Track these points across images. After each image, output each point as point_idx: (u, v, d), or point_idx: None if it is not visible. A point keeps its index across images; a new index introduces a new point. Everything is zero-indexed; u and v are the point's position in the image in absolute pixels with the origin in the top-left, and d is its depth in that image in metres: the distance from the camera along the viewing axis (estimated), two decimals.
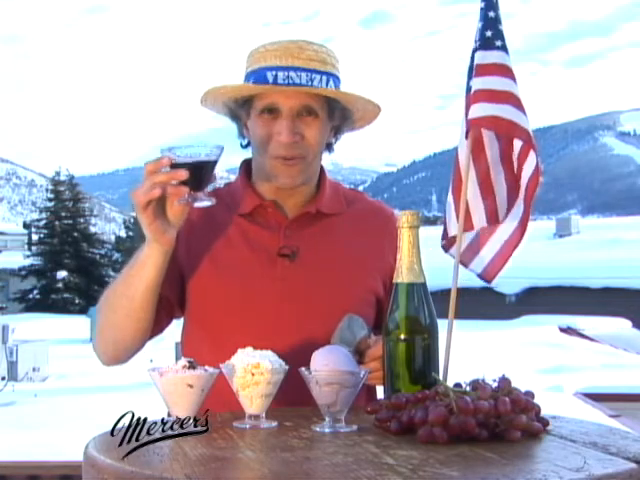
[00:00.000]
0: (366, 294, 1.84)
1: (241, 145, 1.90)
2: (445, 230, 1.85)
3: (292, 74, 1.72)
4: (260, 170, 1.85)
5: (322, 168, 1.90)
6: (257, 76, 1.75)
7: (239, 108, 1.81)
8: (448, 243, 1.85)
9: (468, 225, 1.84)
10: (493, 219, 1.84)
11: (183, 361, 1.44)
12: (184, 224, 1.72)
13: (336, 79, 1.79)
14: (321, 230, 1.85)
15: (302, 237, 1.82)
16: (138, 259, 1.67)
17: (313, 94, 1.74)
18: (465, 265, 1.84)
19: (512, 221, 1.84)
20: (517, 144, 1.81)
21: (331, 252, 1.83)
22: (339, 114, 1.82)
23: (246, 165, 1.93)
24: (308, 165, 1.80)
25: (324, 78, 1.75)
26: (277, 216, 1.84)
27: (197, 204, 1.58)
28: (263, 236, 1.82)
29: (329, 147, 1.89)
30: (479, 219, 1.85)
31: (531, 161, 1.79)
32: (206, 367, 1.44)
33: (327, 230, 1.86)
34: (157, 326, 1.80)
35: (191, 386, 1.41)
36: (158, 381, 1.43)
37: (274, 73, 1.73)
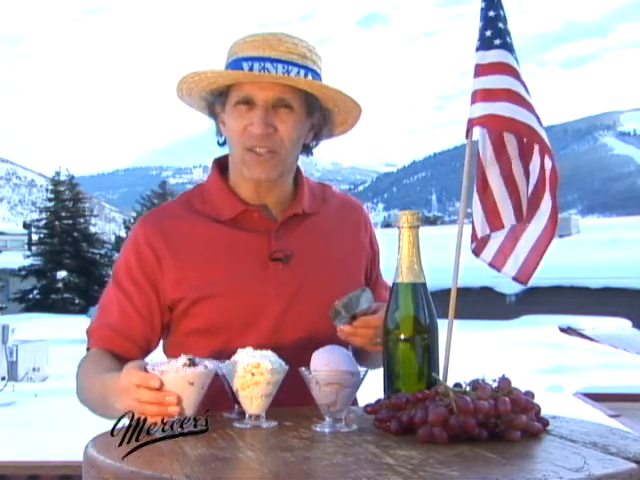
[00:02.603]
0: (353, 287, 1.85)
1: (218, 143, 1.87)
2: (474, 233, 1.81)
3: (268, 65, 1.70)
4: (236, 166, 1.81)
5: (298, 168, 1.88)
6: (234, 67, 1.74)
7: (215, 100, 1.78)
8: (478, 247, 1.82)
9: (498, 223, 1.81)
10: (520, 216, 1.81)
11: (183, 359, 1.43)
12: (165, 251, 1.75)
13: (315, 74, 1.75)
14: (307, 230, 1.84)
15: (292, 239, 1.80)
16: (112, 403, 1.51)
17: (289, 87, 1.71)
18: (498, 269, 1.81)
19: (540, 219, 1.81)
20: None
21: (320, 251, 1.83)
22: (319, 115, 1.79)
23: (218, 164, 1.88)
24: (281, 161, 1.76)
25: (302, 71, 1.72)
26: (264, 220, 1.80)
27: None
28: (251, 241, 1.78)
29: (307, 150, 1.86)
30: (508, 217, 1.81)
31: (547, 159, 1.78)
32: (205, 363, 1.44)
33: (312, 230, 1.85)
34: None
35: (192, 384, 1.41)
36: (160, 379, 1.42)
37: (250, 64, 1.71)
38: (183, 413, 1.41)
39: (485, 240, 1.82)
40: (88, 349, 1.80)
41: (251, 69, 1.70)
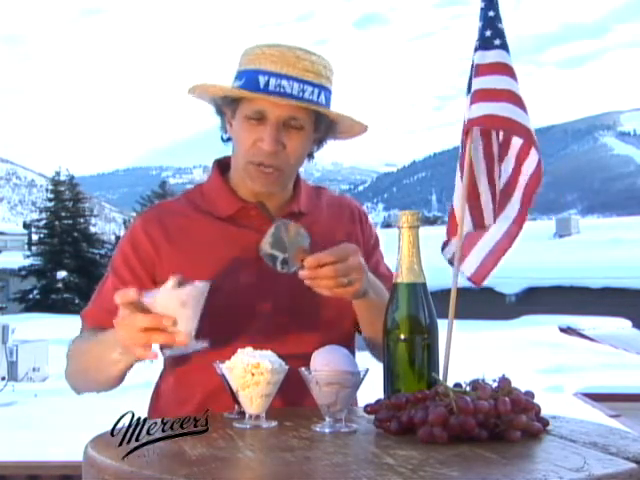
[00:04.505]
0: None
1: (222, 138, 1.88)
2: (451, 229, 1.82)
3: (284, 82, 1.70)
4: (238, 169, 1.82)
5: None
6: (249, 77, 1.73)
7: (226, 105, 1.79)
8: (445, 243, 1.84)
9: (481, 223, 1.82)
10: (480, 224, 1.83)
11: (171, 282, 1.45)
12: (163, 242, 1.77)
13: (328, 92, 1.78)
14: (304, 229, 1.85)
15: None
16: (110, 356, 1.60)
17: (302, 106, 1.72)
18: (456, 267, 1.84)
19: (504, 222, 1.82)
20: (516, 142, 1.80)
21: (316, 248, 1.83)
22: (324, 127, 1.81)
23: (218, 165, 1.91)
24: (285, 177, 1.80)
25: (315, 91, 1.73)
26: (261, 217, 1.81)
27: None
28: (248, 238, 1.79)
29: (309, 155, 1.88)
30: (488, 217, 1.83)
31: (532, 159, 1.78)
32: (195, 282, 1.46)
33: (308, 228, 1.86)
34: None
35: (184, 303, 1.43)
36: (152, 305, 1.43)
37: (266, 78, 1.71)
38: (180, 334, 1.43)
39: (451, 237, 1.83)
40: (81, 332, 1.83)
41: (267, 84, 1.71)
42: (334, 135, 1.86)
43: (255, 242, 1.79)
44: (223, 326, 1.74)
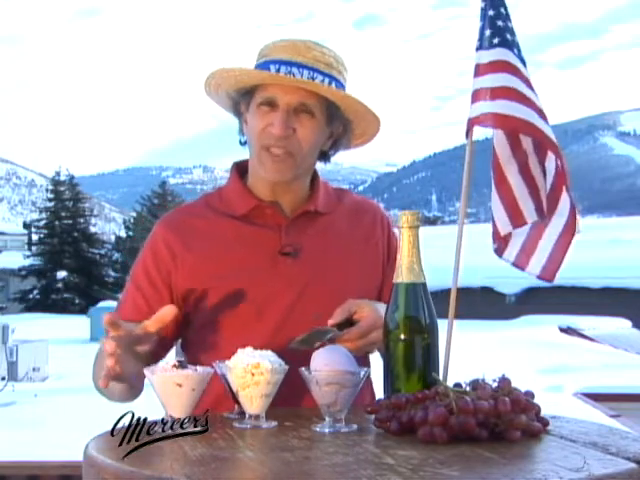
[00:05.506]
0: (369, 285, 1.87)
1: (240, 142, 1.90)
2: (495, 231, 1.81)
3: (294, 69, 1.73)
4: (254, 167, 1.85)
5: (315, 171, 1.91)
6: (261, 67, 1.77)
7: (241, 98, 1.82)
8: (500, 247, 1.81)
9: (520, 220, 1.80)
10: (542, 213, 1.81)
11: (174, 360, 1.45)
12: (180, 248, 1.80)
13: (339, 84, 1.79)
14: (320, 228, 1.87)
15: (302, 235, 1.83)
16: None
17: (312, 93, 1.74)
18: (522, 268, 1.81)
19: (561, 215, 1.81)
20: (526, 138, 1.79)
21: (331, 248, 1.85)
22: (339, 123, 1.83)
23: (237, 167, 1.93)
24: (296, 163, 1.79)
25: (326, 79, 1.76)
26: (276, 216, 1.84)
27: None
28: (262, 236, 1.82)
29: (325, 156, 1.89)
30: (529, 213, 1.81)
31: (550, 155, 1.78)
32: (197, 367, 1.45)
33: (325, 227, 1.88)
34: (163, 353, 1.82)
35: (180, 385, 1.41)
36: (150, 379, 1.43)
37: (277, 66, 1.74)
38: (173, 416, 1.42)
39: (507, 240, 1.81)
40: None
41: (278, 71, 1.74)
42: (350, 138, 1.88)
43: (270, 240, 1.81)
44: (232, 321, 1.77)
